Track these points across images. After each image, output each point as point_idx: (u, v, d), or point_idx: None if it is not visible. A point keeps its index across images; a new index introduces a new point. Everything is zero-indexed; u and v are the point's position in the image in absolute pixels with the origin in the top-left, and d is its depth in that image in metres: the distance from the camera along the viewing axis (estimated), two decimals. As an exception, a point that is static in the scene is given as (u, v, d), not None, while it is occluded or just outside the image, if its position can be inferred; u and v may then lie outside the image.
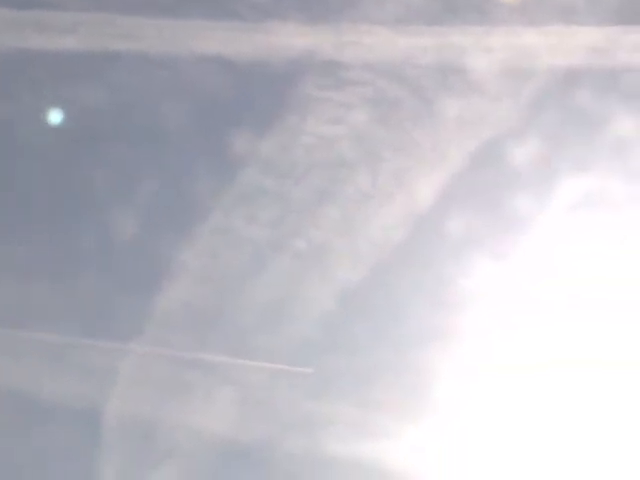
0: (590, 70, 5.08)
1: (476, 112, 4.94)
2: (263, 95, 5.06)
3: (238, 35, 4.99)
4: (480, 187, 4.98)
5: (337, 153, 5.00)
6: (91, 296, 5.13)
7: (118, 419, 5.15)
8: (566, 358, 4.89)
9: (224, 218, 4.98)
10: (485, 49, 4.92)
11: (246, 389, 5.12)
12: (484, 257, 4.91)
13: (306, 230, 4.99)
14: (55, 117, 5.01)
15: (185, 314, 5.04)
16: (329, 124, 4.99)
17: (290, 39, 4.94)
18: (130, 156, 5.08)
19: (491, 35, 4.94)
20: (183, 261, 4.96)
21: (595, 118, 4.99)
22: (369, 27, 4.95)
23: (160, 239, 5.02)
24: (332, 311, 5.08)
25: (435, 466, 4.95)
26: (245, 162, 4.96)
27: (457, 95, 4.96)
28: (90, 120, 5.09)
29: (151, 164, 5.10)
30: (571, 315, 4.85)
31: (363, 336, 5.00)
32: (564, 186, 4.87)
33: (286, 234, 5.02)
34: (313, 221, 4.98)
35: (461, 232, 4.96)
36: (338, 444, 4.93)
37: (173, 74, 5.10)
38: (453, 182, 4.98)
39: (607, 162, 4.86)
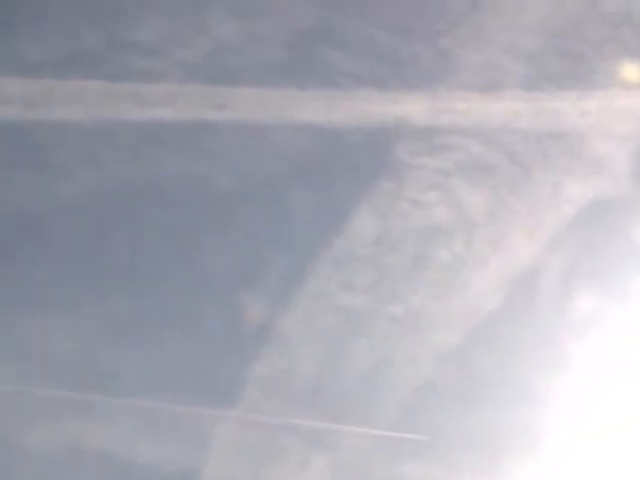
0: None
1: (573, 178, 4.91)
2: (358, 162, 5.09)
3: (333, 103, 5.04)
4: (577, 253, 4.94)
5: (432, 219, 5.00)
6: (187, 362, 5.17)
7: None
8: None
9: (320, 285, 4.99)
10: (582, 113, 4.90)
11: (342, 455, 5.10)
12: (581, 321, 4.87)
13: (402, 296, 4.98)
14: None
15: (281, 381, 5.05)
16: (424, 190, 5.00)
17: (385, 106, 4.98)
18: (225, 224, 5.14)
19: (587, 99, 4.91)
20: (280, 328, 4.98)
21: None
22: (463, 93, 4.96)
23: (256, 306, 5.04)
24: (429, 376, 5.06)
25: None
26: (341, 229, 4.98)
27: (554, 160, 4.94)
28: (187, 189, 5.16)
29: (246, 231, 5.14)
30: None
31: (460, 400, 4.97)
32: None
33: (383, 300, 5.02)
34: (409, 287, 4.97)
35: (557, 298, 4.92)
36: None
37: (268, 143, 5.16)
38: (549, 249, 4.95)
39: None
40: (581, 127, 4.83)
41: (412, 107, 4.95)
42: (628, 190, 4.78)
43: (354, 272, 5.09)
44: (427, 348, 5.10)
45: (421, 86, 5.00)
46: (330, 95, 5.07)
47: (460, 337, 5.07)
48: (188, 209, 5.25)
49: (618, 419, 4.91)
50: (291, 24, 5.25)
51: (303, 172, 5.10)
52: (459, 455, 5.08)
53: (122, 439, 5.34)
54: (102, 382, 5.35)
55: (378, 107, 5.00)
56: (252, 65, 5.25)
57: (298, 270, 5.08)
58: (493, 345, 5.11)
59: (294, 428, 5.16)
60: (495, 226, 5.00)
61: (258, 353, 5.13)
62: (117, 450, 5.36)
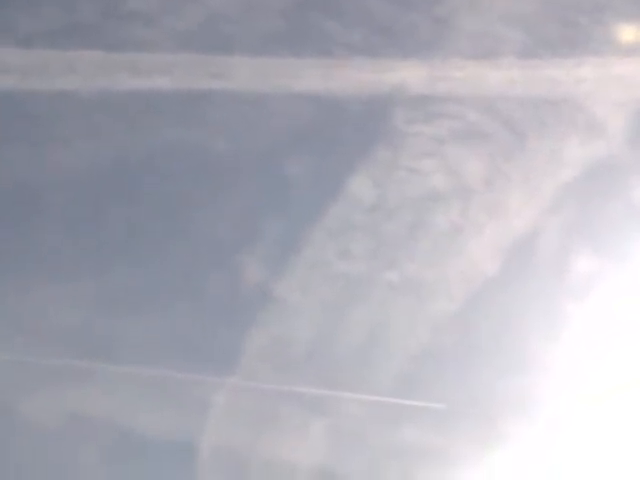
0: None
1: (569, 144, 4.94)
2: (355, 130, 5.12)
3: (329, 71, 5.05)
4: (574, 218, 4.98)
5: (429, 186, 5.03)
6: (186, 330, 5.21)
7: (212, 452, 5.22)
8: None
9: (317, 253, 5.02)
10: (577, 80, 4.92)
11: (339, 421, 5.16)
12: (579, 285, 4.92)
13: (400, 263, 5.01)
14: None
15: (280, 348, 5.09)
16: (420, 158, 5.03)
17: (380, 75, 5.00)
18: (222, 193, 5.17)
19: (583, 66, 4.93)
20: (278, 295, 5.02)
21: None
22: (459, 61, 4.98)
23: (254, 274, 5.08)
24: (424, 343, 5.11)
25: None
26: (338, 196, 5.00)
27: (549, 127, 4.96)
28: (184, 158, 5.19)
29: (243, 200, 5.18)
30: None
31: (458, 367, 5.02)
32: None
33: (379, 267, 5.05)
34: (406, 254, 5.01)
35: (555, 263, 4.96)
36: (430, 473, 4.97)
37: (265, 112, 5.18)
38: (546, 216, 4.99)
39: None
40: (577, 94, 4.84)
41: (408, 75, 4.97)
42: (624, 155, 4.80)
43: (351, 240, 5.13)
44: (425, 315, 5.15)
45: (417, 54, 5.02)
46: (326, 63, 5.10)
47: (458, 303, 5.11)
48: (185, 178, 5.28)
49: (619, 382, 4.96)
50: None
51: (300, 140, 5.12)
52: (457, 421, 5.14)
53: (122, 407, 5.40)
54: (102, 351, 5.40)
55: (374, 75, 5.03)
56: (248, 34, 5.26)
57: (296, 238, 5.12)
58: (491, 311, 5.16)
59: (292, 395, 5.21)
60: (492, 193, 5.03)
61: (256, 321, 5.17)
62: (116, 418, 5.42)
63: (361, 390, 5.15)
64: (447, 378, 5.11)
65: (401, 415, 5.05)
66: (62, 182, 5.48)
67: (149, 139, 5.27)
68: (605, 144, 4.87)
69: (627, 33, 4.94)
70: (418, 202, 5.12)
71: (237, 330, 5.25)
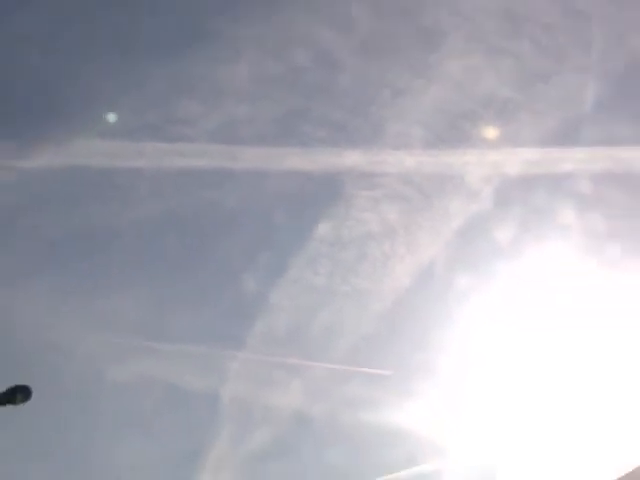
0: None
1: (454, 204, 8.09)
2: (321, 192, 8.25)
3: (307, 157, 8.19)
4: (458, 253, 8.11)
5: (368, 229, 8.16)
6: (214, 323, 8.30)
7: (230, 400, 8.30)
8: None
9: (299, 270, 8.13)
10: (463, 163, 8.08)
11: (311, 381, 8.21)
12: (460, 296, 8.03)
13: (350, 277, 8.12)
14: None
15: (274, 332, 8.18)
16: (363, 211, 8.15)
17: (339, 158, 8.14)
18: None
19: (465, 154, 8.09)
20: (271, 298, 8.11)
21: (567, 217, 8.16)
22: (388, 151, 8.13)
23: (257, 283, 8.19)
24: (368, 330, 8.20)
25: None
26: (311, 235, 8.12)
27: (443, 193, 8.11)
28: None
29: (251, 237, 8.29)
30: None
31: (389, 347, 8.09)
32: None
33: (337, 280, 8.16)
34: (354, 272, 8.12)
35: (446, 279, 8.08)
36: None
37: (266, 182, 8.32)
38: (439, 248, 8.12)
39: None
40: (462, 172, 7.99)
41: (356, 158, 8.10)
42: (491, 210, 7.95)
43: (319, 262, 8.24)
44: (367, 311, 8.24)
45: (361, 147, 8.18)
46: (305, 151, 8.24)
47: (388, 302, 8.22)
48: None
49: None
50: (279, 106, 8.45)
51: (288, 200, 8.25)
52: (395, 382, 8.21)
53: (175, 373, 8.48)
54: (162, 334, 8.48)
55: (336, 159, 8.16)
56: (253, 133, 8.45)
57: (284, 261, 8.23)
58: (408, 308, 8.26)
59: (280, 363, 8.27)
60: (407, 234, 8.15)
61: (257, 314, 8.26)
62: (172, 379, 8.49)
63: (326, 360, 8.22)
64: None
65: (354, 378, 8.12)
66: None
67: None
68: (478, 204, 8.01)
69: (492, 133, 8.10)
70: (361, 239, 8.22)
71: (244, 320, 8.33)
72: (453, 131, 8.47)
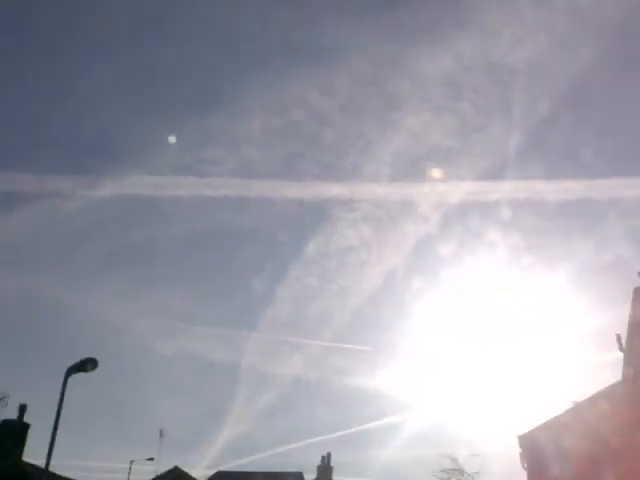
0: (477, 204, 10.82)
1: (409, 228, 10.73)
2: (311, 215, 11.00)
3: (303, 187, 10.90)
4: (412, 267, 10.77)
5: (349, 242, 10.90)
6: (235, 316, 11.25)
7: (246, 369, 11.29)
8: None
9: (296, 273, 10.93)
10: (428, 194, 10.68)
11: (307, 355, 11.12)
12: (412, 299, 10.77)
13: (335, 278, 10.91)
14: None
15: (281, 318, 11.08)
16: (345, 228, 10.89)
17: (327, 190, 10.85)
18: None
19: (432, 187, 10.69)
20: (275, 295, 10.98)
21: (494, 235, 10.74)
22: (365, 184, 10.81)
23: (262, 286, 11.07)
24: (346, 318, 11.04)
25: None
26: (304, 247, 10.91)
27: (411, 218, 10.76)
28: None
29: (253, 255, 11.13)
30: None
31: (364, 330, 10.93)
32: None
33: (325, 281, 10.96)
34: (338, 275, 10.89)
35: (402, 283, 10.81)
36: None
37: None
38: (398, 260, 10.81)
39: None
40: (418, 201, 10.59)
41: (340, 190, 10.80)
42: (438, 234, 10.57)
43: (311, 268, 11.06)
44: (348, 304, 11.06)
45: (344, 184, 10.89)
46: (302, 184, 10.98)
47: (362, 298, 11.04)
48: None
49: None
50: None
51: (289, 219, 11.03)
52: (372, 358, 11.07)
53: (202, 348, 11.48)
54: (196, 319, 11.52)
55: (324, 190, 10.87)
56: (264, 169, 11.21)
57: (283, 268, 11.07)
58: (377, 304, 11.06)
59: (285, 342, 11.16)
60: (379, 246, 10.85)
61: (266, 305, 11.19)
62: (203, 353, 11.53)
63: (318, 339, 11.08)
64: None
65: (339, 352, 10.95)
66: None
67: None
68: (429, 224, 10.64)
69: (440, 171, 10.68)
70: (344, 250, 10.98)
71: (257, 309, 11.27)
72: (411, 169, 11.10)
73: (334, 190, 10.60)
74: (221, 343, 10.81)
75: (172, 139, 11.59)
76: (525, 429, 9.77)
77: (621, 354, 9.74)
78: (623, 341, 9.60)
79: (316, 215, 10.13)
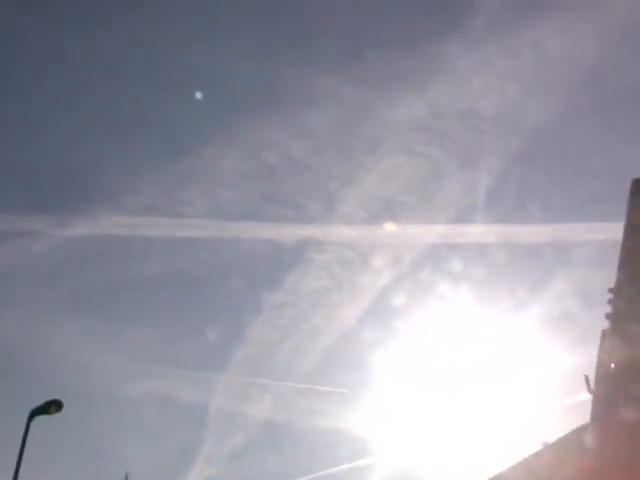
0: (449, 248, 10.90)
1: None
2: (287, 256, 10.99)
3: (276, 230, 10.92)
4: (377, 308, 10.82)
5: (321, 284, 10.88)
6: (212, 351, 11.12)
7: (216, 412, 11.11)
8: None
9: (269, 314, 10.88)
10: (400, 236, 10.75)
11: (278, 397, 10.99)
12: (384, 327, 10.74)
13: (308, 318, 10.88)
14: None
15: (254, 359, 10.97)
16: (318, 270, 10.88)
17: (300, 231, 10.86)
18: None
19: (404, 229, 10.75)
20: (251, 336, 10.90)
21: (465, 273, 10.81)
22: (339, 224, 10.85)
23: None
24: (324, 354, 10.95)
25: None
26: (276, 289, 10.87)
27: (382, 259, 10.78)
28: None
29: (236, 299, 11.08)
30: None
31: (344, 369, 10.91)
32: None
33: (297, 320, 10.93)
34: (311, 314, 10.86)
35: (373, 319, 10.79)
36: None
37: (254, 249, 11.10)
38: (382, 296, 10.81)
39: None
40: (389, 242, 10.67)
41: (312, 231, 10.83)
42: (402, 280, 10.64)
43: (283, 309, 11.01)
44: (321, 342, 11.00)
45: (317, 223, 10.91)
46: (277, 226, 10.98)
47: (336, 335, 10.99)
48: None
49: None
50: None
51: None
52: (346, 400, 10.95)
53: (171, 389, 11.29)
54: (164, 360, 11.35)
55: (296, 232, 10.89)
56: (243, 212, 11.23)
57: (257, 308, 11.01)
58: (353, 336, 11.02)
59: (255, 384, 11.05)
60: (353, 289, 10.85)
61: (237, 346, 11.07)
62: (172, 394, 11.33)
63: (289, 380, 10.99)
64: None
65: (310, 393, 10.85)
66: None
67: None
68: (401, 265, 10.68)
69: (412, 213, 10.76)
70: (316, 290, 10.95)
71: (228, 350, 11.13)
72: (383, 212, 11.17)
73: (307, 232, 10.76)
74: (190, 385, 10.82)
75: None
76: (495, 471, 10.07)
77: (589, 395, 9.89)
78: (591, 382, 9.76)
79: (289, 256, 10.53)
